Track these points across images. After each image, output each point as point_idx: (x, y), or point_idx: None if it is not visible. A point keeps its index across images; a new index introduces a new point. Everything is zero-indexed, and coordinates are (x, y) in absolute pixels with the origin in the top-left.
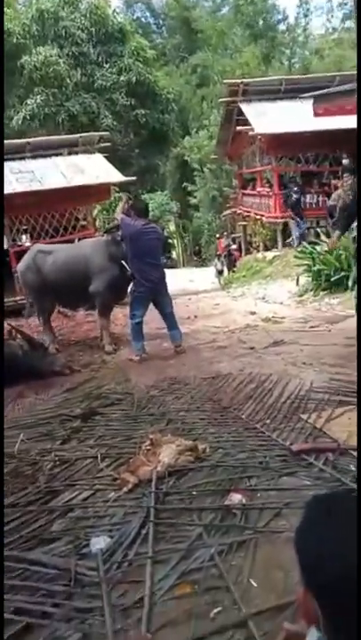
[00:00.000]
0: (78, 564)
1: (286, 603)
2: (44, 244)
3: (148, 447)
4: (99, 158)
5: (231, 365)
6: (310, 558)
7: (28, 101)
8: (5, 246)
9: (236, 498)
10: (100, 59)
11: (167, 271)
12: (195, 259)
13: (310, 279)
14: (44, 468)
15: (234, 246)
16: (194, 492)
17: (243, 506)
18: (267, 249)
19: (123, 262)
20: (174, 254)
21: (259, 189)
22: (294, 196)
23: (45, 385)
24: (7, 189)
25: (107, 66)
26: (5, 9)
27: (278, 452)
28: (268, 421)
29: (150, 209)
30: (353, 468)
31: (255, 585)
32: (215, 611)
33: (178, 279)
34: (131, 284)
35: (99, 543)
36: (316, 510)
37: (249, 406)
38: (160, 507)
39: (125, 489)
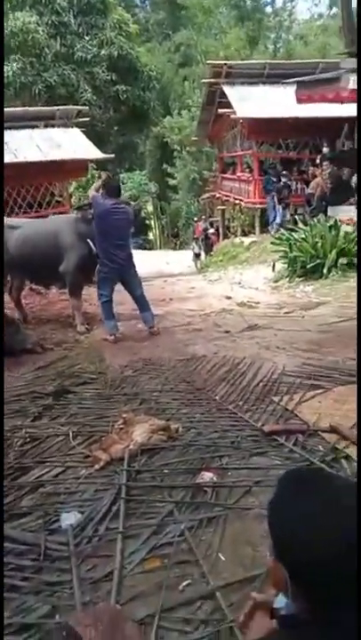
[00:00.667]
0: (48, 540)
1: (254, 575)
2: (11, 219)
3: (121, 426)
4: (76, 133)
5: (206, 348)
6: (283, 532)
7: (4, 68)
8: None
9: (207, 476)
10: (80, 29)
11: (143, 252)
12: (172, 240)
13: (286, 266)
14: (14, 445)
15: (211, 230)
16: (166, 471)
17: (214, 484)
18: (244, 234)
19: (89, 241)
20: (151, 236)
21: (239, 174)
22: (283, 180)
23: (17, 362)
24: None
25: (87, 38)
26: None
27: (250, 433)
28: (240, 403)
29: (127, 188)
30: (321, 449)
31: (223, 559)
32: (184, 583)
33: (154, 261)
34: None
35: (69, 519)
36: (288, 486)
37: (222, 388)
38: (132, 484)
39: (97, 466)
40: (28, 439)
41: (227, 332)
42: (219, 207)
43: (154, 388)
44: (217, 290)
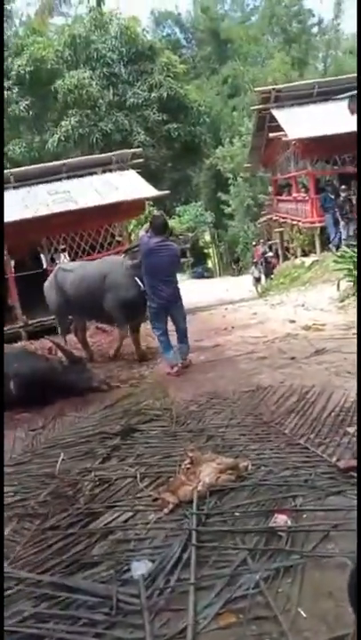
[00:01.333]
0: (119, 591)
1: (339, 636)
2: (66, 263)
3: (188, 466)
4: (132, 174)
5: (272, 377)
6: None
7: (63, 123)
8: (45, 266)
9: (281, 519)
10: (130, 77)
11: (203, 282)
12: (233, 267)
13: (352, 284)
14: (84, 489)
15: (270, 253)
16: (237, 513)
17: (288, 528)
18: (305, 254)
19: (137, 279)
20: (210, 264)
21: (294, 195)
22: (343, 194)
23: (85, 402)
24: (44, 211)
25: (137, 84)
26: (38, 38)
27: (324, 470)
28: (312, 436)
29: (184, 221)
30: None
31: (304, 615)
32: None
33: (214, 289)
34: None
35: (140, 568)
36: None
37: (291, 420)
38: (202, 529)
39: (166, 510)
40: (98, 482)
41: (293, 358)
42: (276, 230)
43: (220, 423)
44: (280, 314)
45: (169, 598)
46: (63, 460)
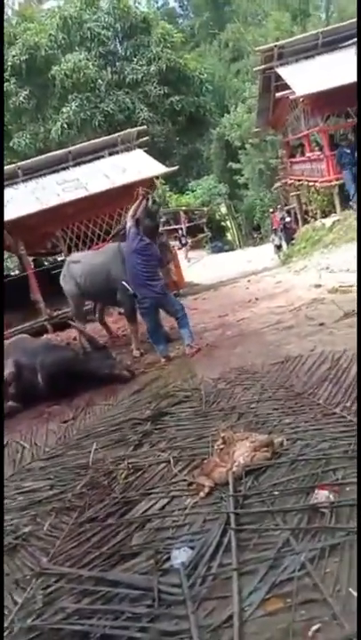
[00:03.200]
0: (160, 582)
1: None
2: (73, 254)
3: (221, 446)
4: (139, 154)
5: (300, 346)
6: None
7: (64, 109)
8: (62, 257)
9: (322, 495)
10: (127, 53)
11: (223, 255)
12: (255, 236)
13: None
14: (118, 478)
15: (289, 219)
16: (275, 492)
17: (331, 504)
18: (325, 216)
19: (124, 284)
20: (229, 236)
21: (308, 154)
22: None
23: (113, 389)
24: (55, 201)
25: (135, 59)
26: (29, 24)
27: None
28: (348, 404)
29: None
30: None
31: (356, 595)
32: (314, 628)
33: (235, 261)
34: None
35: (180, 556)
36: None
37: (325, 389)
38: (240, 511)
39: (202, 494)
40: (132, 470)
41: (321, 324)
42: (293, 193)
43: (250, 398)
44: (304, 279)
45: (212, 586)
46: (96, 449)
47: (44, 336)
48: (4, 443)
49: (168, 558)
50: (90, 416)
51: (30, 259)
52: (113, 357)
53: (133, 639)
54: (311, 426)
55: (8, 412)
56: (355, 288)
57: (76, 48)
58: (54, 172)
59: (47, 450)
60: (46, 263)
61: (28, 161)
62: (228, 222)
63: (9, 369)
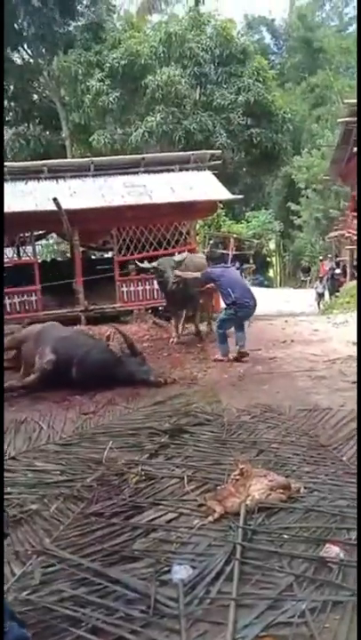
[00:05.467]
0: (158, 592)
1: None
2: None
3: (238, 477)
4: (208, 175)
5: (330, 399)
6: None
7: (148, 118)
8: (110, 254)
9: (333, 551)
10: (220, 79)
11: (262, 290)
12: (303, 278)
13: None
14: (129, 481)
15: (338, 270)
16: (285, 536)
17: (340, 560)
18: None
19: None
20: (271, 273)
21: None
22: None
23: (136, 394)
24: (119, 201)
25: (226, 86)
26: (135, 33)
27: None
28: None
29: (251, 227)
30: None
31: None
32: None
33: (273, 299)
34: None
35: (180, 572)
36: None
37: (350, 448)
38: (248, 545)
39: (211, 518)
40: (144, 477)
41: (354, 382)
42: (347, 247)
43: (273, 438)
44: (343, 334)
45: (208, 609)
46: (111, 448)
47: (76, 326)
48: (22, 419)
49: (168, 571)
50: (110, 414)
51: (81, 249)
52: (147, 364)
53: (123, 639)
54: (331, 480)
55: (29, 391)
56: None
57: (172, 63)
58: (124, 174)
59: (63, 436)
60: (92, 257)
61: (102, 158)
62: (273, 259)
63: (49, 356)
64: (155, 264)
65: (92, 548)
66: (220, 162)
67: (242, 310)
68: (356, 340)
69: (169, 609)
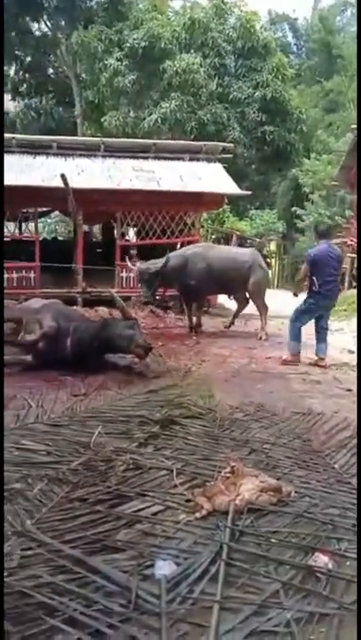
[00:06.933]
0: (140, 587)
1: None
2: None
3: (228, 475)
4: (217, 168)
5: (324, 404)
6: None
7: (163, 104)
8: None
9: (322, 560)
10: (238, 71)
11: None
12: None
13: None
14: (116, 469)
15: None
16: (273, 540)
17: (329, 571)
18: None
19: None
20: (270, 274)
21: None
22: None
23: (128, 381)
24: (126, 184)
25: (244, 79)
26: (158, 15)
27: None
28: None
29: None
30: None
31: None
32: None
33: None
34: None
35: (164, 568)
36: None
37: (343, 456)
38: (234, 546)
39: (198, 514)
40: (132, 466)
41: (349, 390)
42: (349, 254)
43: (265, 439)
44: (338, 341)
45: (190, 610)
46: (100, 433)
47: (73, 308)
48: (12, 396)
49: (151, 565)
50: (101, 399)
51: (83, 229)
52: (135, 329)
53: (100, 632)
54: (323, 487)
55: (25, 365)
56: None
57: (193, 51)
58: (133, 157)
59: (52, 416)
60: (94, 240)
61: (113, 140)
62: (272, 260)
63: (50, 322)
64: (142, 266)
65: (74, 534)
66: (230, 156)
67: (325, 300)
68: (354, 349)
69: (150, 605)
